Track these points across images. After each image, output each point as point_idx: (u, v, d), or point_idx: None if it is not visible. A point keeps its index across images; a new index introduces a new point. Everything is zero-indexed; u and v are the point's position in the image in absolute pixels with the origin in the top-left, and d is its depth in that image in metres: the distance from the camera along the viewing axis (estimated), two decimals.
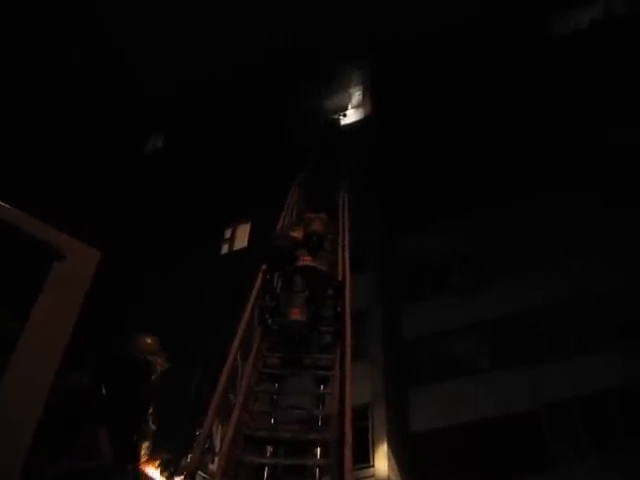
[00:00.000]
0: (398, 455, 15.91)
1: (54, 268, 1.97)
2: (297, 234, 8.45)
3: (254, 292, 8.09)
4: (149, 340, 5.26)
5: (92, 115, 27.55)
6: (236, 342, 6.91)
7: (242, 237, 23.55)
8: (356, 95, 27.14)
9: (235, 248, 23.50)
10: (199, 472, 5.27)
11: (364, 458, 14.78)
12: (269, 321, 7.71)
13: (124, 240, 22.30)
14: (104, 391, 4.36)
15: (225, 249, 23.87)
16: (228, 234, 24.15)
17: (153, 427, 5.03)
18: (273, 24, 28.23)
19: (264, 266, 8.41)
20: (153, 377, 4.98)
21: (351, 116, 26.18)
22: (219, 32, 29.04)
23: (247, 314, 7.45)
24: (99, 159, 26.72)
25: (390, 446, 15.55)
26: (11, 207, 2.00)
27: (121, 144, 28.93)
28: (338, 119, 25.50)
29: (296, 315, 7.39)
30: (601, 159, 19.32)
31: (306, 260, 7.94)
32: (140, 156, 30.16)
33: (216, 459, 5.63)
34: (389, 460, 15.26)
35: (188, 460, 5.37)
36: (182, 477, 5.22)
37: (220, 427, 5.96)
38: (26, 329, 1.87)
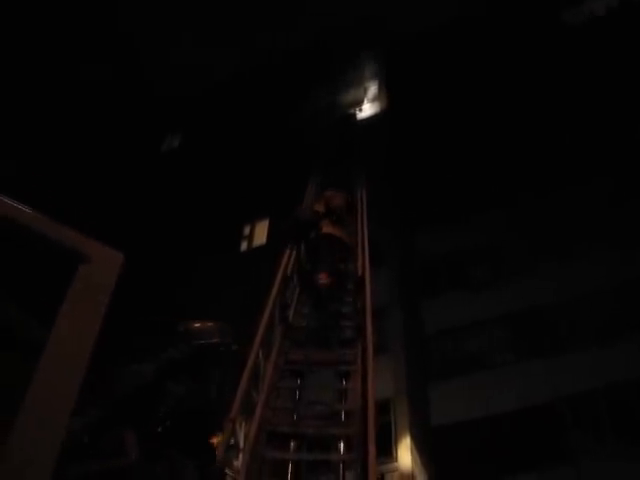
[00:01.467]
0: (421, 449, 15.91)
1: (78, 272, 1.99)
2: (319, 208, 9.14)
3: (279, 272, 8.29)
4: (199, 324, 5.05)
5: (109, 116, 27.75)
6: (257, 339, 6.94)
7: (261, 234, 23.60)
8: (372, 89, 27.05)
9: (254, 245, 23.57)
10: None
11: (387, 453, 14.80)
12: (290, 318, 7.78)
13: (142, 239, 22.44)
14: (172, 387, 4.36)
15: (244, 246, 23.94)
16: (247, 231, 24.21)
17: None
18: (288, 21, 28.24)
19: (289, 244, 9.15)
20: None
21: (367, 110, 26.12)
22: (235, 31, 29.13)
23: (269, 307, 7.48)
24: (116, 160, 26.91)
25: (413, 440, 15.55)
26: (32, 211, 2.03)
27: (138, 144, 29.11)
28: (354, 113, 25.45)
29: (323, 279, 8.06)
30: (618, 151, 19.15)
31: (328, 229, 8.57)
32: (157, 155, 30.32)
33: (240, 456, 5.66)
34: (412, 454, 15.26)
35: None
36: None
37: (244, 424, 5.99)
38: (53, 332, 1.89)
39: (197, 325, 4.97)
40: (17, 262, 1.98)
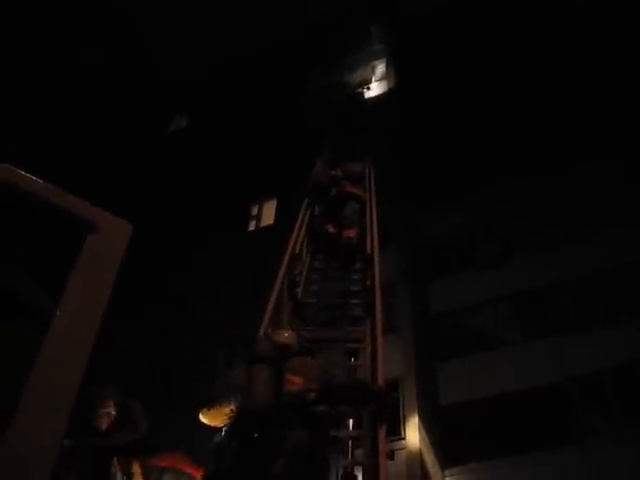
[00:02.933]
0: (429, 427, 15.98)
1: (87, 241, 1.96)
2: (337, 173, 9.77)
3: (288, 250, 8.33)
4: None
5: (117, 98, 27.72)
6: (266, 317, 6.93)
7: (269, 214, 23.59)
8: (379, 68, 26.85)
9: (262, 225, 23.57)
10: None
11: (395, 431, 14.88)
12: (299, 296, 7.77)
13: (150, 219, 22.47)
14: None
15: (252, 226, 23.95)
16: (255, 211, 24.20)
17: None
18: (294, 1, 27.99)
19: (306, 202, 9.78)
20: None
21: (375, 89, 25.95)
22: (241, 10, 28.89)
23: (278, 284, 7.46)
24: (124, 140, 26.91)
25: (421, 419, 15.62)
26: (43, 181, 2.01)
27: (146, 124, 29.07)
28: (362, 92, 25.29)
29: (350, 233, 8.64)
30: (625, 132, 18.99)
31: (347, 187, 9.24)
32: (165, 135, 30.28)
33: None
34: (420, 432, 15.35)
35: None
36: None
37: None
38: (61, 303, 1.86)
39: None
40: (23, 231, 1.96)
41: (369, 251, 8.41)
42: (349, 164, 10.18)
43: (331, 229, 8.83)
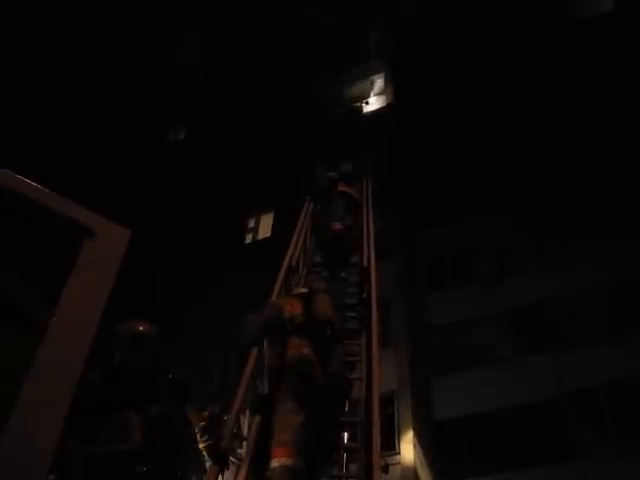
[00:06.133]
0: (424, 442, 15.92)
1: (84, 247, 1.96)
2: (332, 175, 10.38)
3: (285, 261, 8.41)
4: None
5: (115, 108, 27.76)
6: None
7: (266, 227, 23.60)
8: (378, 82, 26.96)
9: (259, 238, 23.56)
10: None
11: (390, 445, 14.82)
12: None
13: (146, 231, 22.45)
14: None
15: (249, 239, 23.95)
16: (252, 224, 24.21)
17: None
18: (297, 12, 28.08)
19: (307, 203, 10.57)
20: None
21: (373, 104, 26.04)
22: (241, 21, 29.00)
23: (275, 295, 7.45)
24: (122, 151, 26.93)
25: (416, 433, 15.56)
26: (41, 187, 2.00)
27: (143, 136, 29.10)
28: (360, 107, 25.38)
29: (337, 228, 9.08)
30: (621, 149, 19.07)
31: (342, 187, 9.80)
32: (163, 147, 30.30)
33: (244, 444, 5.65)
34: (415, 447, 15.28)
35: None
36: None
37: (247, 413, 5.97)
38: (57, 309, 1.86)
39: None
40: (19, 236, 1.96)
41: (365, 264, 8.41)
42: (341, 166, 10.92)
43: (337, 226, 9.17)
